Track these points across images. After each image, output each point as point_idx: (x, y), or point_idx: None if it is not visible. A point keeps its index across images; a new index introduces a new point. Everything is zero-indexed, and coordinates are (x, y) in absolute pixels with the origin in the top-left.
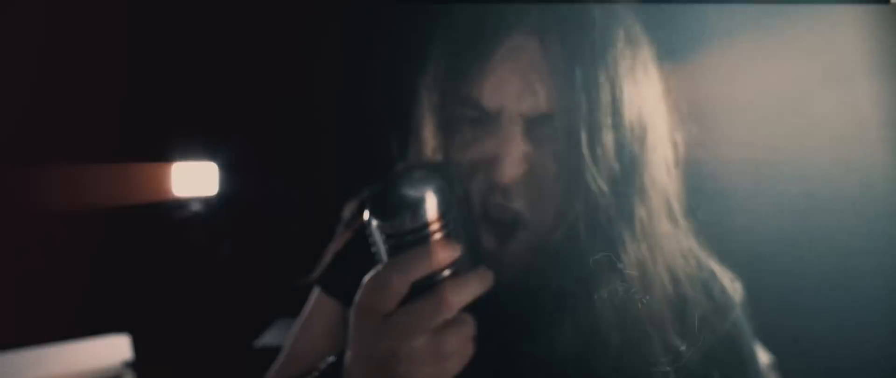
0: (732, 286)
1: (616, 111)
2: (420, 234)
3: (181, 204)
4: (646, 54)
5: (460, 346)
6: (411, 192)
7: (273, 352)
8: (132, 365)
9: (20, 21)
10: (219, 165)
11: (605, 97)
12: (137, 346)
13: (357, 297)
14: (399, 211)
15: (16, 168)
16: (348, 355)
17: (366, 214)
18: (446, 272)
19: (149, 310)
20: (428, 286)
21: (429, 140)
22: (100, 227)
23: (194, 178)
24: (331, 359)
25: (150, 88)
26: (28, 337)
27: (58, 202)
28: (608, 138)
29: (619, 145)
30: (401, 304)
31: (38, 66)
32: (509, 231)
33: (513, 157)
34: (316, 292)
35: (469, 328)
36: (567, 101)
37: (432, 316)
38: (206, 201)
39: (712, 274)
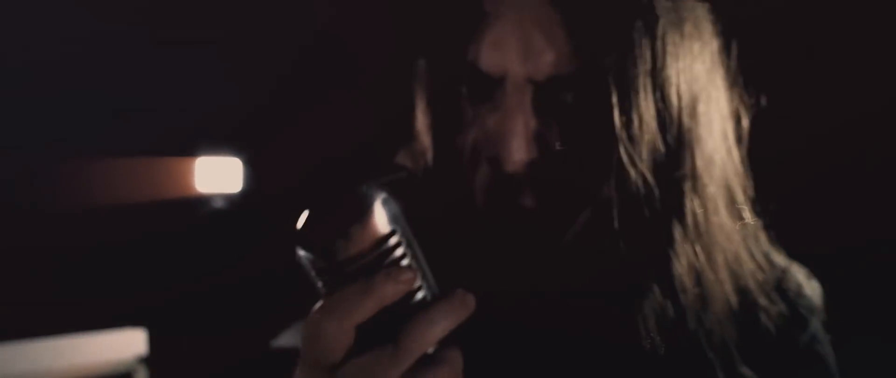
0: (810, 285)
1: (658, 73)
2: (360, 263)
3: (204, 200)
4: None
5: None
6: (346, 211)
7: (289, 353)
8: (145, 360)
9: (38, 14)
10: (243, 161)
11: (642, 54)
12: (153, 341)
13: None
14: (328, 237)
15: (38, 162)
16: None
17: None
18: (418, 296)
19: (166, 305)
20: (388, 322)
21: (420, 120)
22: (122, 221)
23: (218, 174)
24: None
25: (176, 82)
26: (45, 327)
27: (82, 196)
28: (648, 109)
29: (664, 118)
30: (359, 346)
31: (61, 61)
32: (517, 234)
33: (519, 138)
34: None
35: (451, 368)
36: (591, 59)
37: (390, 365)
38: (230, 198)
39: (785, 272)
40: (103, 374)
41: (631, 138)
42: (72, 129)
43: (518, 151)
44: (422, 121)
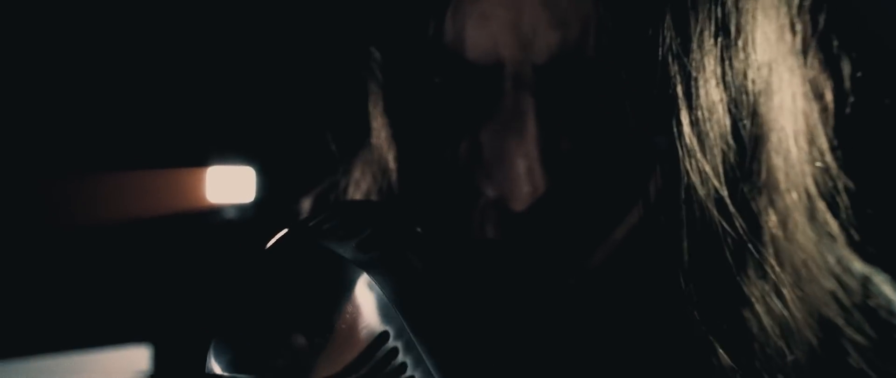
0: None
1: (731, 46)
2: None
3: (216, 211)
4: None
5: None
6: (308, 304)
7: None
8: None
9: (52, 23)
10: (257, 170)
11: (708, 23)
12: (158, 358)
13: None
14: (281, 352)
15: (45, 175)
16: None
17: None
18: None
19: (173, 321)
20: None
21: (379, 134)
22: (129, 233)
23: (230, 183)
24: None
25: (187, 90)
26: (46, 343)
27: (86, 210)
28: (721, 98)
29: (739, 109)
30: None
31: (69, 71)
32: (531, 286)
33: (523, 160)
34: None
35: None
36: (627, 35)
37: None
38: (242, 208)
39: (868, 283)
40: None
41: (700, 141)
42: (78, 138)
43: (525, 182)
44: (381, 132)
